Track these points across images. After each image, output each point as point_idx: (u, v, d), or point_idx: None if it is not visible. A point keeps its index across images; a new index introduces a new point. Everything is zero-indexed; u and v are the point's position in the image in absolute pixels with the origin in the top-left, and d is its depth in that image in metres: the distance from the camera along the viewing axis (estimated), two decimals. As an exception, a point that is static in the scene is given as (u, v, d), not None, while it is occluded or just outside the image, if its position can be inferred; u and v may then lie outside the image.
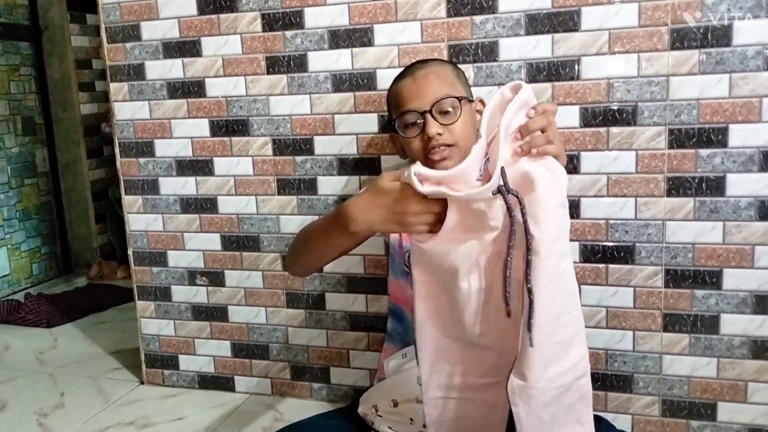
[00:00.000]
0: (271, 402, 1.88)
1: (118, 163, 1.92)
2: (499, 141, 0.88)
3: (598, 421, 1.17)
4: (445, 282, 0.96)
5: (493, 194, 0.87)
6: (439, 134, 1.21)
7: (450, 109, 1.22)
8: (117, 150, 1.91)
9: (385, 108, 1.42)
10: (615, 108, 1.50)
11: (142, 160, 1.89)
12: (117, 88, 1.87)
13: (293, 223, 1.79)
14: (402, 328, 1.42)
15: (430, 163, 1.23)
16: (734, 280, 1.48)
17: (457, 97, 1.23)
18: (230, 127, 1.80)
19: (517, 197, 0.87)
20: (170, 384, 2.01)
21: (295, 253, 1.21)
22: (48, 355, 2.34)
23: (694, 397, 1.55)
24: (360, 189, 1.71)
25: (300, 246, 1.19)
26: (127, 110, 1.87)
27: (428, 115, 1.21)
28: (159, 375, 2.02)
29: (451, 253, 0.93)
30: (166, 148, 1.87)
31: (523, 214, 0.87)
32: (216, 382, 1.96)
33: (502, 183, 0.86)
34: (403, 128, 1.26)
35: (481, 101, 1.33)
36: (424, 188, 0.89)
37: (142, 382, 2.04)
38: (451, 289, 0.95)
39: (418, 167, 0.90)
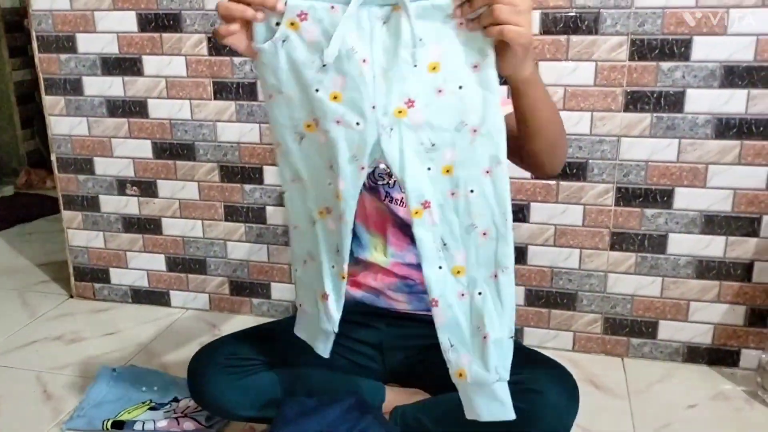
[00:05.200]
0: (209, 317, 1.81)
1: (36, 60, 1.74)
2: None
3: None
4: None
5: None
6: None
7: None
8: (35, 45, 1.73)
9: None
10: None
11: (63, 56, 1.71)
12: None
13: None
14: (355, 244, 1.35)
15: None
16: (685, 199, 1.46)
17: None
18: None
19: None
20: (101, 298, 1.92)
21: None
22: (-30, 267, 2.20)
23: (636, 315, 1.55)
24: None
25: None
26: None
27: None
28: (89, 288, 1.92)
29: None
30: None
31: None
32: (150, 296, 1.88)
33: None
34: None
35: None
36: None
37: (71, 296, 1.94)
38: None
39: None
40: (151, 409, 1.37)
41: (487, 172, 0.88)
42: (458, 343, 0.95)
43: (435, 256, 0.92)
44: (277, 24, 0.83)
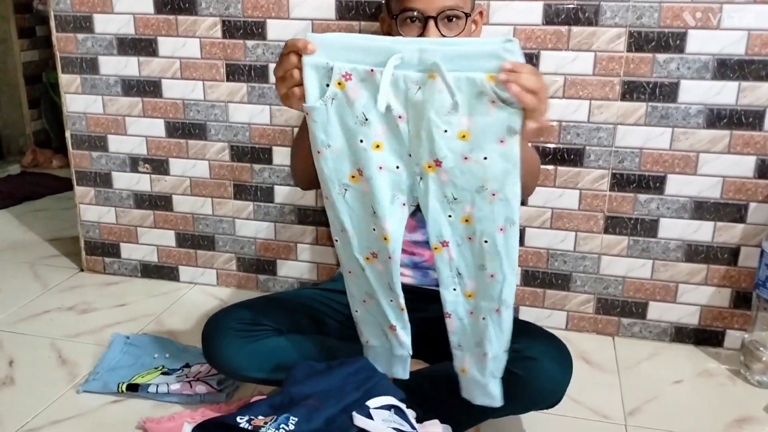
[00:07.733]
0: (216, 292, 1.88)
1: (54, 39, 1.79)
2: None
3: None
4: None
5: None
6: None
7: (454, 21, 1.19)
8: (53, 24, 1.78)
9: None
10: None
11: (80, 36, 1.77)
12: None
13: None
14: None
15: None
16: (677, 185, 1.53)
17: (466, 13, 1.20)
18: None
19: None
20: (111, 272, 1.98)
21: (291, 163, 1.29)
22: (-20, 241, 2.25)
23: (627, 296, 1.62)
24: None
25: (292, 155, 1.27)
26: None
27: (431, 21, 1.17)
28: (99, 262, 1.98)
29: None
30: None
31: None
32: (159, 271, 1.94)
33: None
34: (400, 23, 1.21)
35: (481, 13, 1.29)
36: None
37: (82, 270, 2.00)
38: None
39: None
40: (164, 374, 1.43)
41: (501, 229, 0.97)
42: (464, 347, 1.08)
43: (450, 281, 1.04)
44: (327, 85, 0.93)
